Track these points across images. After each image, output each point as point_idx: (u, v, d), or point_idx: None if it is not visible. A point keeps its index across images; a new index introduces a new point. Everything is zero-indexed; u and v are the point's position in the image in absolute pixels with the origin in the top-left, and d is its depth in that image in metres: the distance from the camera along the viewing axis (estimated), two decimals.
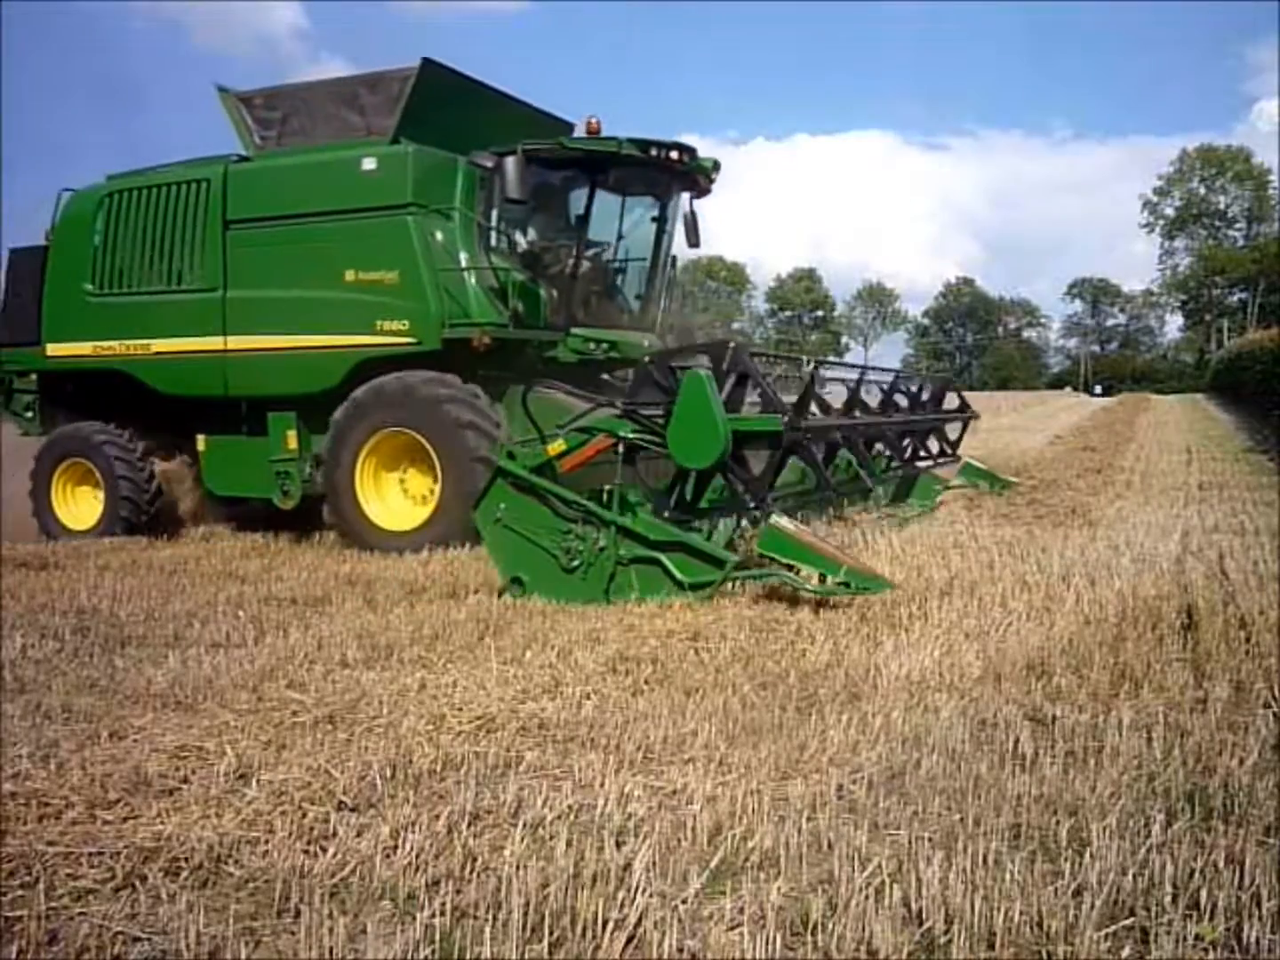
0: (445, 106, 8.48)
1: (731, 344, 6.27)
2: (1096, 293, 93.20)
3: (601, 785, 3.01)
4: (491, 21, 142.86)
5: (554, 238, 8.83)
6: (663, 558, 5.62)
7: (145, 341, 9.02)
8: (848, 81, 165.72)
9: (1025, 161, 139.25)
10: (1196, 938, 2.21)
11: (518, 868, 2.46)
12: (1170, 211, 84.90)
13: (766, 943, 2.17)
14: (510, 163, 7.82)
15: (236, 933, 2.25)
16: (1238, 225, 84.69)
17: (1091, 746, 3.33)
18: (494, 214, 8.40)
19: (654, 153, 8.31)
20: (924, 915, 2.27)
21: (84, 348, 9.37)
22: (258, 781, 3.06)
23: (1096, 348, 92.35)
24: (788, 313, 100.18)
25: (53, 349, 9.55)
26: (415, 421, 7.84)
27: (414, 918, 2.27)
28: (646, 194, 9.10)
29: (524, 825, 2.73)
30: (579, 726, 3.60)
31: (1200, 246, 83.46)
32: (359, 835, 2.71)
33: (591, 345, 8.51)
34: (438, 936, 2.20)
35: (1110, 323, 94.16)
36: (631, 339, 8.90)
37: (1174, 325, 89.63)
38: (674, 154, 8.42)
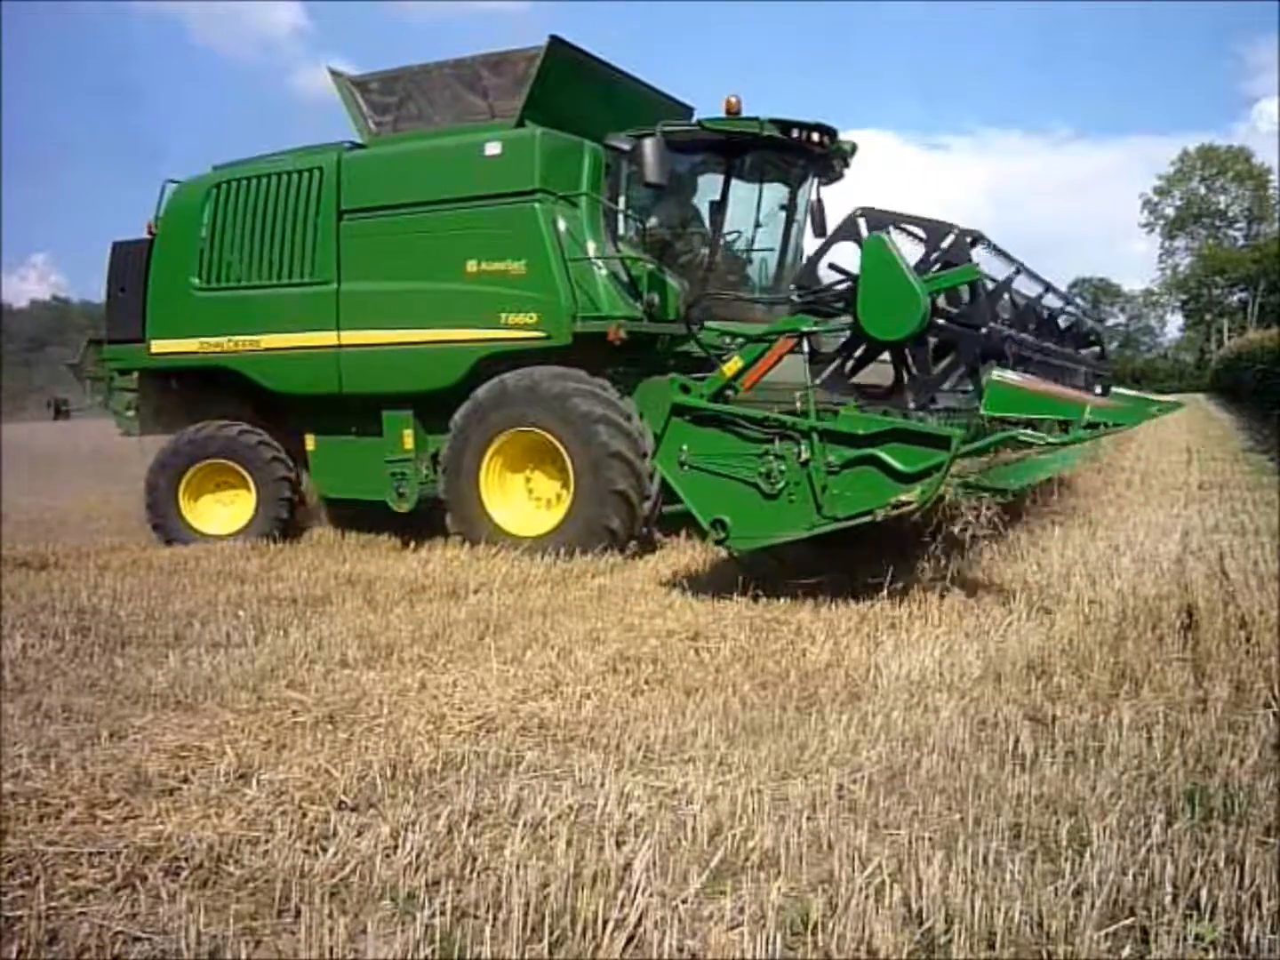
0: (570, 87, 8.09)
1: (957, 229, 5.67)
2: (1096, 292, 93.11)
3: (601, 785, 3.00)
4: (492, 22, 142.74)
5: (684, 226, 8.41)
6: (878, 452, 5.14)
7: (255, 337, 8.59)
8: (848, 81, 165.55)
9: (1025, 161, 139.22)
10: (1196, 938, 2.21)
11: (518, 867, 2.46)
12: (1170, 211, 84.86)
13: (766, 943, 2.17)
14: (649, 145, 7.38)
15: (236, 933, 2.25)
16: (1238, 225, 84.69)
17: (1091, 746, 3.33)
18: (622, 200, 7.97)
19: (796, 134, 7.87)
20: (924, 915, 2.27)
21: (190, 344, 8.91)
22: (258, 781, 3.07)
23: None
24: None
25: (157, 346, 9.07)
26: (543, 419, 7.38)
27: (414, 917, 2.27)
28: (779, 179, 8.56)
29: (524, 825, 2.73)
30: (579, 726, 3.60)
31: (1200, 246, 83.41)
32: (359, 835, 2.71)
33: (726, 339, 7.77)
34: (438, 936, 2.20)
35: (1110, 322, 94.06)
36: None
37: (1174, 325, 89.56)
38: (815, 136, 7.98)
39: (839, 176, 8.79)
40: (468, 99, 8.37)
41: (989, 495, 5.40)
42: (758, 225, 8.59)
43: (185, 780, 3.11)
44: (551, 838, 2.67)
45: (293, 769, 3.15)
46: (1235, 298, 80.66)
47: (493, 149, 7.80)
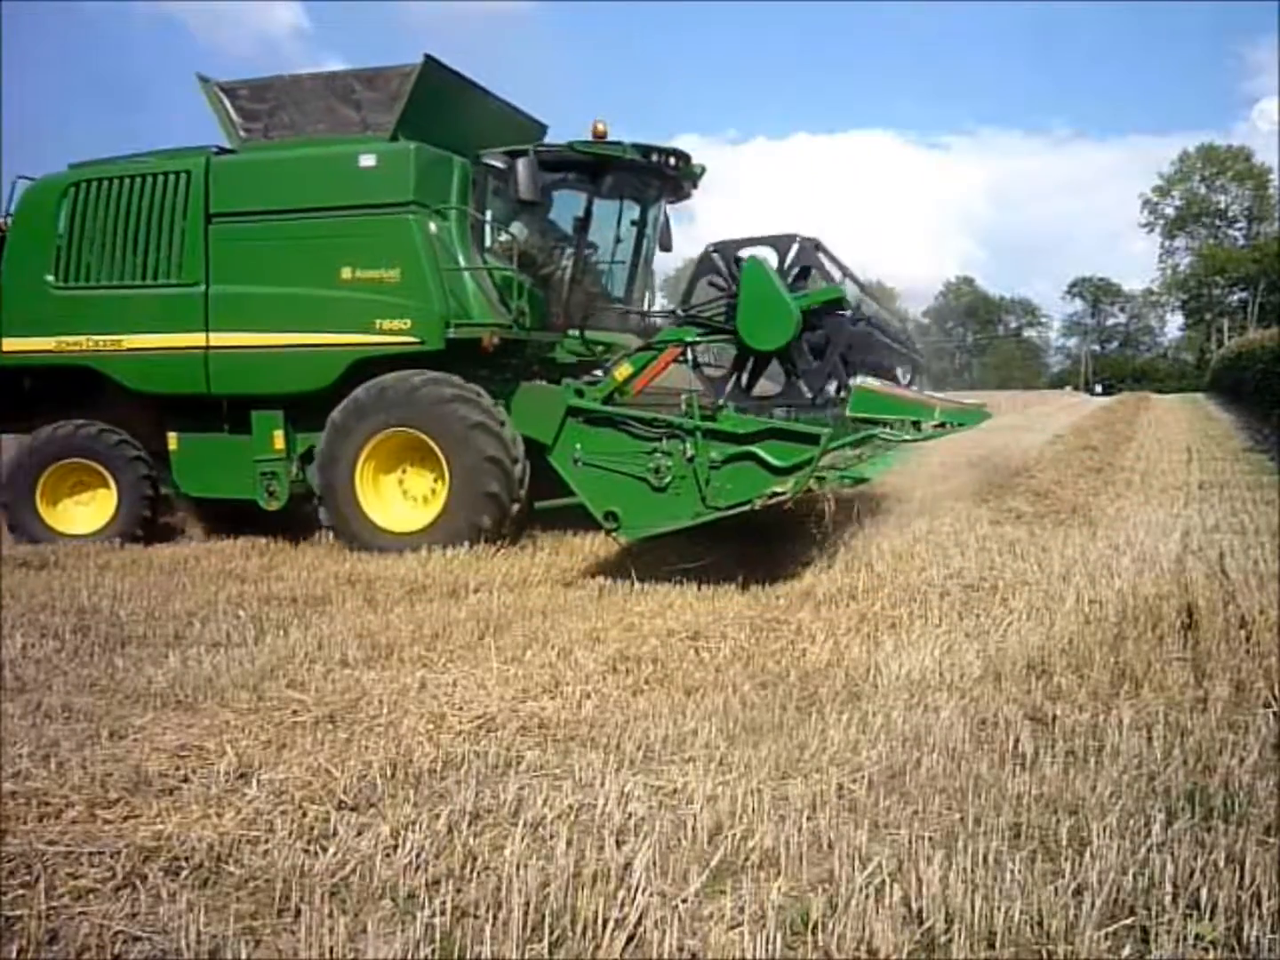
0: (442, 105, 8.50)
1: (798, 237, 6.43)
2: (1097, 292, 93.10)
3: (602, 785, 3.01)
4: (492, 22, 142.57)
5: (545, 238, 8.85)
6: (755, 449, 5.80)
7: (116, 336, 8.65)
8: (848, 81, 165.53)
9: (1025, 161, 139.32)
10: (1196, 937, 2.21)
11: (518, 867, 2.46)
12: (1170, 211, 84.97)
13: (766, 942, 2.17)
14: (523, 164, 7.84)
15: (237, 932, 2.26)
16: (1238, 225, 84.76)
17: (1091, 746, 3.33)
18: (489, 214, 8.44)
19: (654, 158, 8.43)
20: (924, 915, 2.27)
21: (46, 343, 8.87)
22: (258, 781, 3.07)
23: (1097, 347, 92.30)
24: None
25: (10, 344, 8.99)
26: (421, 422, 7.75)
27: (414, 917, 2.27)
28: (636, 197, 9.15)
29: (524, 825, 2.73)
30: (579, 726, 3.60)
31: (1200, 246, 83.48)
32: (359, 835, 2.71)
33: (588, 347, 8.55)
34: (438, 936, 2.20)
35: (1110, 322, 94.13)
36: (622, 341, 8.84)
37: (1174, 325, 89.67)
38: (672, 160, 8.57)
39: (687, 196, 9.42)
40: (340, 111, 8.59)
41: (855, 483, 6.40)
42: (617, 240, 9.12)
43: (185, 780, 3.11)
44: (551, 837, 2.67)
45: (293, 769, 3.15)
46: (1235, 297, 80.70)
47: (368, 160, 8.13)
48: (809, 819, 2.78)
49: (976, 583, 5.77)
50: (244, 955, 2.17)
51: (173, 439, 8.93)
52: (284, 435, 8.46)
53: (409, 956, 2.15)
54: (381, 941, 2.19)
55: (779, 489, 5.71)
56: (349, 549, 7.87)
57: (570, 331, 8.43)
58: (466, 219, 8.30)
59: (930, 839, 2.66)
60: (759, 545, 6.51)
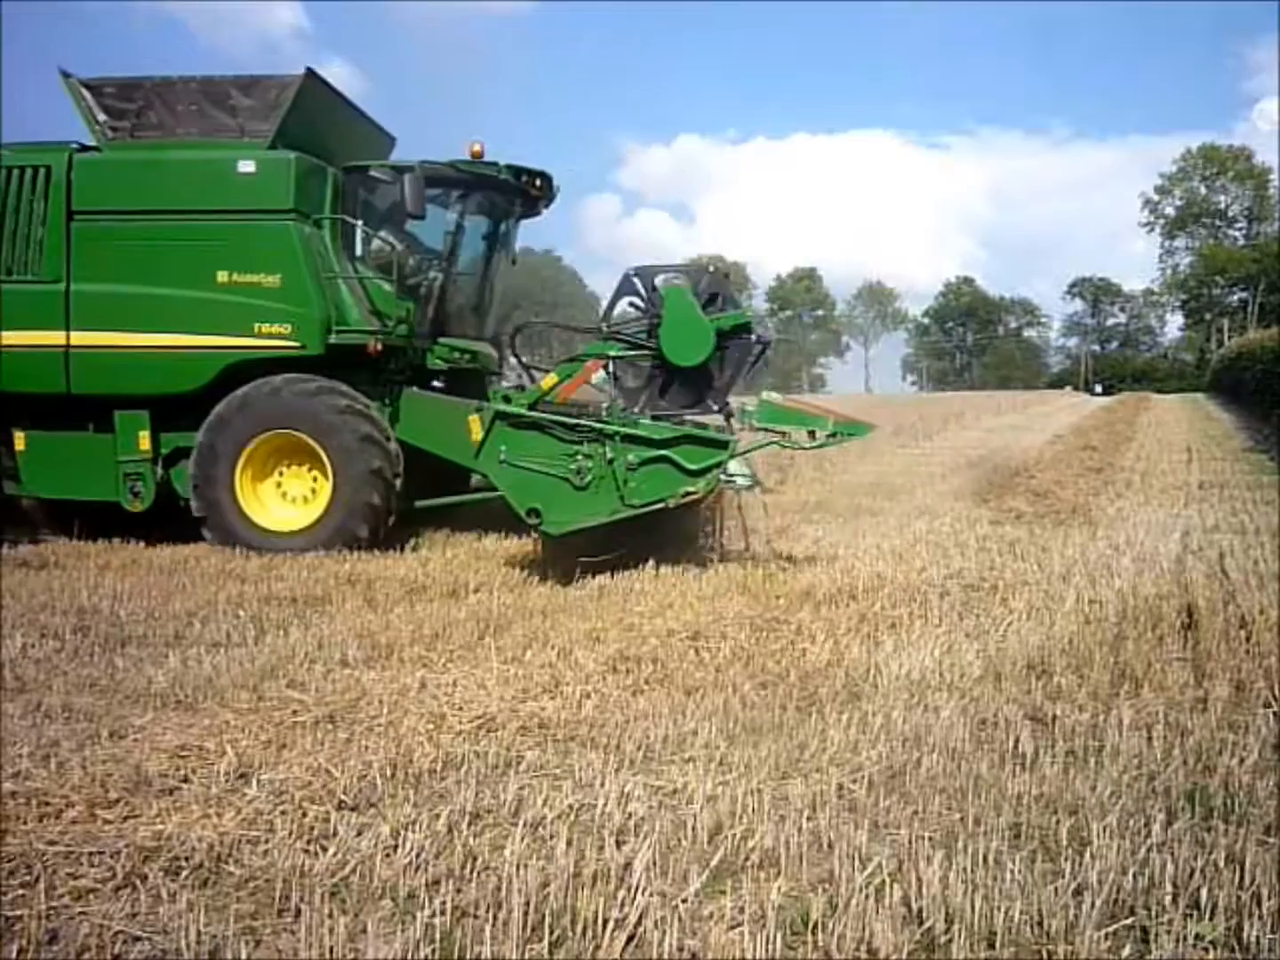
0: (317, 117, 8.68)
1: (711, 268, 7.32)
2: (1097, 292, 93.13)
3: (602, 785, 3.01)
4: (491, 21, 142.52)
5: (415, 250, 9.07)
6: (670, 453, 6.43)
7: None
8: (848, 81, 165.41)
9: (1025, 161, 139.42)
10: (1196, 937, 2.22)
11: (518, 867, 2.46)
12: (1170, 211, 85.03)
13: (766, 942, 2.17)
14: (410, 180, 8.08)
15: (237, 932, 2.26)
16: (1238, 225, 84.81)
17: (1091, 746, 3.33)
18: (360, 224, 8.64)
19: (524, 179, 8.90)
20: (924, 915, 2.27)
21: None
22: (258, 781, 3.07)
23: (1097, 347, 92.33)
24: (788, 312, 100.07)
25: None
26: (294, 420, 7.92)
27: (414, 917, 2.27)
28: (498, 214, 9.42)
29: (524, 825, 2.73)
30: (579, 726, 3.60)
31: (1200, 246, 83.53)
32: (359, 835, 2.71)
33: (457, 355, 8.90)
34: (438, 936, 2.20)
35: (1110, 322, 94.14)
36: (482, 349, 9.35)
37: (1174, 325, 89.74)
38: (537, 181, 9.02)
39: (539, 214, 9.84)
40: (214, 115, 8.58)
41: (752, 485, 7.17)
42: (482, 255, 9.50)
43: (185, 780, 3.11)
44: (551, 837, 2.67)
45: (293, 769, 3.15)
46: (1235, 298, 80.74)
47: (246, 166, 8.20)
48: (809, 819, 2.78)
49: (976, 583, 5.78)
50: (244, 955, 2.17)
51: (19, 438, 8.65)
52: (150, 436, 8.37)
53: (409, 956, 2.15)
54: (381, 941, 2.19)
55: (691, 489, 6.36)
56: (235, 552, 7.77)
57: (440, 339, 8.72)
58: (338, 227, 8.47)
59: (930, 839, 2.67)
60: (677, 536, 6.92)
